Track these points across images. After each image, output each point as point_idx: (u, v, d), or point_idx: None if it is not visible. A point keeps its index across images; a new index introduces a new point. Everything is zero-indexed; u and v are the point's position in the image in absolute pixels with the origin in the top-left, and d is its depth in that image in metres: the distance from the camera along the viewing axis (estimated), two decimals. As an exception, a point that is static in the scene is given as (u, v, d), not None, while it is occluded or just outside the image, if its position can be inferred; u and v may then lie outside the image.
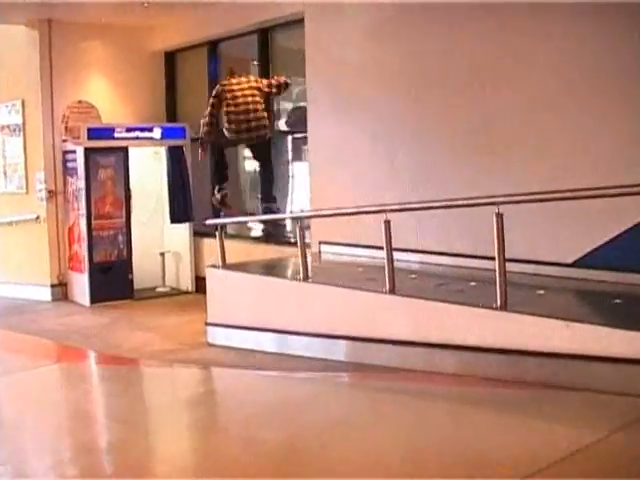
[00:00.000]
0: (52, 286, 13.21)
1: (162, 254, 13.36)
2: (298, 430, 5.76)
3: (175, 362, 8.83)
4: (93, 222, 12.61)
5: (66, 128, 12.97)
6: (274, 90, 10.92)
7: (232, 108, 10.42)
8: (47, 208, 13.14)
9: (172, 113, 14.10)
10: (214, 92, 10.71)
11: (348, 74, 10.23)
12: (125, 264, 12.80)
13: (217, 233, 9.92)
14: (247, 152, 13.17)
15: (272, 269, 10.06)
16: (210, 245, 12.57)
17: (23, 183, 13.59)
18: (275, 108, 12.26)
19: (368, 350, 7.77)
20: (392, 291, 7.60)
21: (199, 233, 13.22)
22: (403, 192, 9.25)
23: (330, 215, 9.00)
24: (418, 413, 6.09)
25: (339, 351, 8.04)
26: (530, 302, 7.12)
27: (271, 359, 8.57)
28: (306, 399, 6.80)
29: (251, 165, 13.35)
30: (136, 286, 12.94)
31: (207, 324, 9.61)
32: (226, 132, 10.55)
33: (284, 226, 12.36)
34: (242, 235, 12.64)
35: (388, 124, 9.72)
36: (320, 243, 10.39)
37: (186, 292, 13.31)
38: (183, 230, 13.32)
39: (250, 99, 10.51)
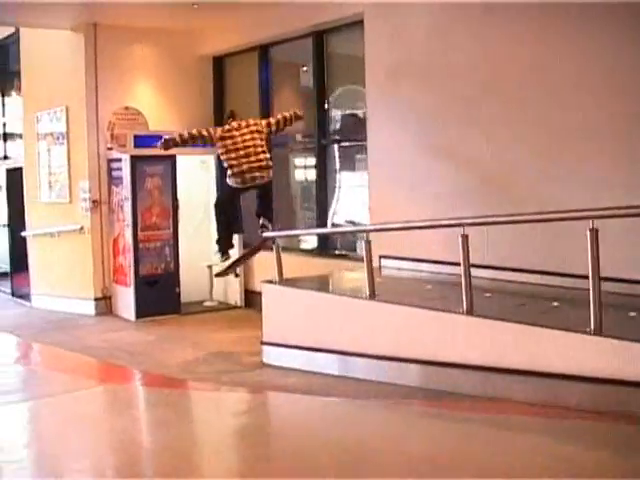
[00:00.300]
0: (96, 300, 12.74)
1: (210, 267, 12.78)
2: (373, 472, 5.13)
3: (229, 385, 8.22)
4: (139, 233, 12.14)
5: (112, 135, 12.48)
6: (278, 127, 10.18)
7: (233, 155, 9.74)
8: (91, 218, 12.67)
9: (220, 120, 13.26)
10: (208, 130, 10.06)
11: (411, 80, 9.65)
12: (172, 277, 12.31)
13: (274, 247, 9.35)
14: (298, 160, 12.75)
15: (331, 285, 9.46)
16: (260, 258, 12.04)
17: (66, 192, 13.12)
18: (324, 116, 11.71)
19: (441, 375, 7.17)
20: (470, 312, 6.97)
21: (249, 245, 12.48)
22: (470, 205, 8.66)
23: (401, 229, 8.36)
24: (513, 452, 5.45)
25: (408, 375, 7.42)
26: (623, 325, 6.45)
27: (333, 382, 7.98)
28: (379, 432, 6.16)
29: (301, 175, 12.97)
30: (183, 300, 12.45)
31: (262, 343, 9.05)
32: (229, 181, 9.85)
33: (336, 239, 11.79)
34: (292, 248, 12.08)
35: (454, 133, 9.14)
36: (381, 257, 9.77)
37: (235, 307, 12.80)
38: (233, 242, 12.56)
39: (251, 144, 9.81)
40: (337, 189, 11.79)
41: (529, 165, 8.37)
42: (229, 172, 9.76)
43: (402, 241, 9.27)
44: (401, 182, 9.75)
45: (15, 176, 14.64)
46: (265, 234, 10.05)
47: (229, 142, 9.76)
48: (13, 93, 15.70)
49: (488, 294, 7.73)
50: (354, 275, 9.52)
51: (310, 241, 12.20)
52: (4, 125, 16.24)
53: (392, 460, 5.32)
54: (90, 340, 10.94)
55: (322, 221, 11.62)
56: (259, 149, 9.79)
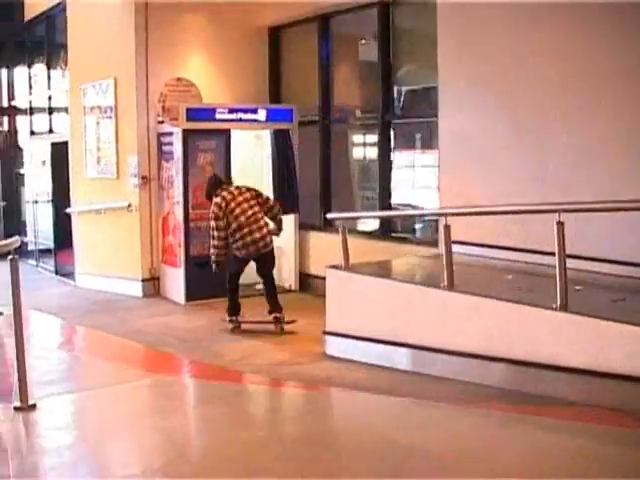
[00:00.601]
0: (143, 280, 12.16)
1: None
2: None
3: (291, 380, 7.52)
4: (190, 211, 11.46)
5: (163, 108, 11.85)
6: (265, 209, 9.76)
7: (235, 225, 9.46)
8: (139, 195, 12.07)
9: (276, 94, 12.90)
10: (215, 212, 9.50)
11: (487, 57, 8.92)
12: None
13: (340, 229, 8.66)
14: (357, 138, 12.10)
15: (402, 272, 8.79)
16: (317, 239, 11.80)
17: (114, 168, 12.58)
18: (389, 91, 11.00)
19: (530, 376, 6.52)
20: (564, 307, 6.25)
21: (305, 226, 12.12)
22: (548, 189, 7.96)
23: (486, 213, 7.67)
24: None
25: (492, 375, 6.76)
26: None
27: (405, 380, 7.35)
28: (455, 440, 5.42)
29: (360, 153, 12.44)
30: None
31: (325, 333, 8.40)
32: (235, 252, 9.62)
33: (396, 221, 11.14)
34: (351, 230, 11.34)
35: (533, 115, 8.46)
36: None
37: (289, 290, 12.13)
38: (287, 222, 11.79)
39: (250, 212, 9.52)
40: (397, 169, 11.18)
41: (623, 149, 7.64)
42: (234, 247, 9.56)
43: (472, 226, 8.55)
44: (474, 163, 9.04)
45: (60, 150, 14.19)
46: (329, 215, 9.61)
47: (231, 218, 9.45)
48: (59, 66, 15.21)
49: (578, 287, 6.98)
50: (426, 262, 8.90)
51: (368, 223, 11.53)
52: (50, 98, 15.74)
53: (468, 474, 4.69)
54: (137, 324, 10.40)
55: (384, 202, 10.97)
56: (261, 221, 9.59)
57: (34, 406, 5.92)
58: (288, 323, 9.61)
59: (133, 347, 9.07)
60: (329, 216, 9.59)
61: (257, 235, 9.44)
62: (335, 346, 8.27)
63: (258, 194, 9.74)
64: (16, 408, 5.86)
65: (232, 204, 9.43)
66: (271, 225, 9.80)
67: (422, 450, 5.17)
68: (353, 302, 8.22)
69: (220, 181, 9.92)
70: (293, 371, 7.86)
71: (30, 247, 16.04)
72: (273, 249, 9.79)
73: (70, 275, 13.90)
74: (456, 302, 7.11)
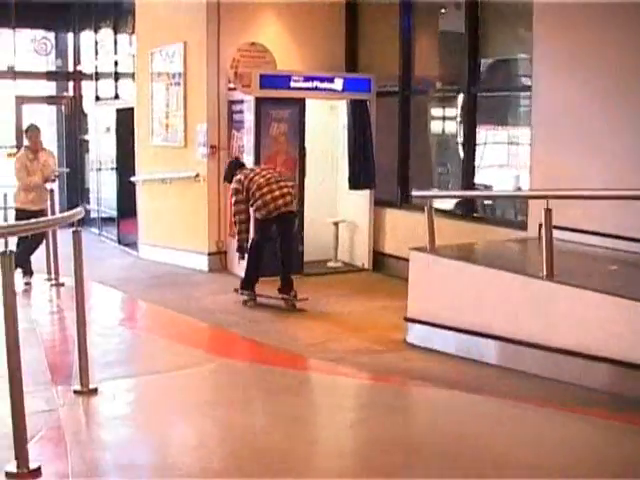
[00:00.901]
0: (210, 254, 11.72)
1: (336, 224, 11.72)
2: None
3: (369, 371, 6.95)
4: None
5: (235, 74, 11.34)
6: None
7: (254, 187, 9.27)
8: (208, 165, 11.60)
9: (352, 63, 12.31)
10: (235, 187, 9.42)
11: (591, 26, 8.21)
12: (295, 233, 10.93)
13: (426, 209, 8.05)
14: (436, 111, 11.66)
15: (491, 257, 8.13)
16: (393, 217, 11.32)
17: (181, 136, 12.12)
18: (475, 63, 10.30)
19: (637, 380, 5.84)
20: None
21: (380, 202, 11.56)
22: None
23: (594, 197, 7.02)
24: None
25: (596, 377, 6.16)
26: None
27: (493, 375, 6.77)
28: (569, 450, 4.83)
29: (439, 127, 11.90)
30: (305, 259, 11.33)
31: (407, 319, 7.85)
32: (256, 214, 9.48)
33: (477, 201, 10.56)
34: (419, 206, 10.79)
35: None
36: (540, 226, 8.41)
37: (362, 269, 11.64)
38: (362, 197, 11.64)
39: (270, 175, 9.41)
40: (482, 145, 10.57)
41: None
42: (254, 209, 9.39)
43: (567, 209, 7.90)
44: (573, 141, 8.36)
45: (126, 117, 13.85)
46: (415, 193, 9.09)
47: (254, 187, 9.29)
48: (126, 30, 14.79)
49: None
50: (516, 246, 8.30)
51: (446, 201, 10.87)
52: (116, 63, 15.34)
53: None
54: (203, 301, 9.95)
55: (468, 181, 10.32)
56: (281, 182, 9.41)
57: (95, 390, 5.53)
58: (300, 300, 9.41)
59: (198, 326, 8.59)
60: (415, 194, 9.12)
61: (277, 193, 9.22)
62: (417, 334, 7.74)
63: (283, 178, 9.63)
64: (76, 392, 5.50)
65: (252, 175, 9.37)
66: None
67: (515, 460, 4.59)
68: (438, 288, 7.67)
69: (241, 164, 9.87)
70: (372, 360, 7.35)
71: (93, 215, 15.89)
72: (295, 214, 9.69)
73: (133, 245, 13.59)
74: (556, 294, 6.47)
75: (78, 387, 5.50)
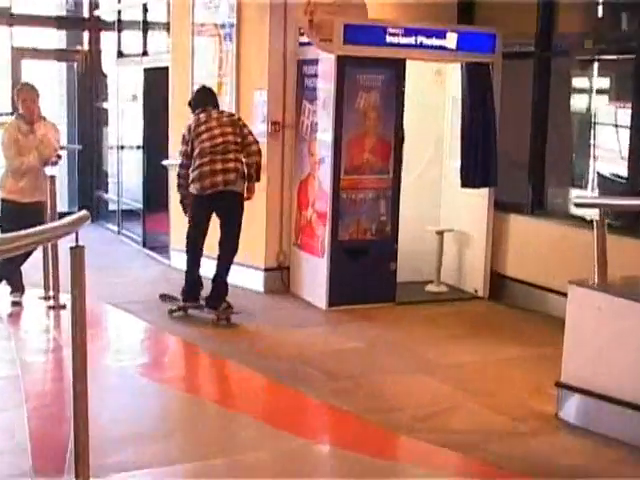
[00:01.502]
0: (267, 270, 10.23)
1: (440, 233, 10.31)
2: None
3: (515, 470, 5.44)
4: (342, 177, 9.60)
5: (310, 23, 9.92)
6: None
7: (197, 151, 8.93)
8: (268, 148, 10.03)
9: (468, 12, 10.81)
10: (183, 134, 9.14)
11: None
12: (387, 246, 9.80)
13: (595, 223, 6.45)
14: (580, 81, 10.45)
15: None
16: (521, 226, 10.15)
17: (232, 107, 10.57)
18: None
19: None
20: None
21: (503, 206, 10.15)
22: None
23: None
24: None
25: None
26: None
27: None
28: None
29: (585, 104, 10.48)
30: (398, 279, 9.89)
31: (559, 385, 6.47)
32: (191, 186, 9.04)
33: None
34: (558, 213, 9.84)
35: None
36: None
37: (473, 296, 10.20)
38: (477, 199, 10.18)
39: (220, 140, 8.92)
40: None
41: None
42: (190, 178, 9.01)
43: None
44: None
45: (157, 80, 12.64)
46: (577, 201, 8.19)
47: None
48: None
49: None
50: None
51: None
52: (145, 10, 13.97)
53: None
54: (256, 339, 8.52)
55: (635, 180, 8.75)
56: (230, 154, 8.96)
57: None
58: (232, 313, 8.92)
59: (252, 381, 7.33)
60: (578, 201, 8.16)
61: (219, 166, 8.80)
62: (577, 408, 6.35)
63: (241, 125, 9.06)
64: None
65: (202, 127, 8.93)
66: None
67: None
68: (615, 344, 6.22)
69: (210, 97, 9.37)
70: (513, 450, 5.83)
71: (112, 207, 14.94)
72: (240, 196, 8.98)
73: (162, 249, 12.27)
74: None
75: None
